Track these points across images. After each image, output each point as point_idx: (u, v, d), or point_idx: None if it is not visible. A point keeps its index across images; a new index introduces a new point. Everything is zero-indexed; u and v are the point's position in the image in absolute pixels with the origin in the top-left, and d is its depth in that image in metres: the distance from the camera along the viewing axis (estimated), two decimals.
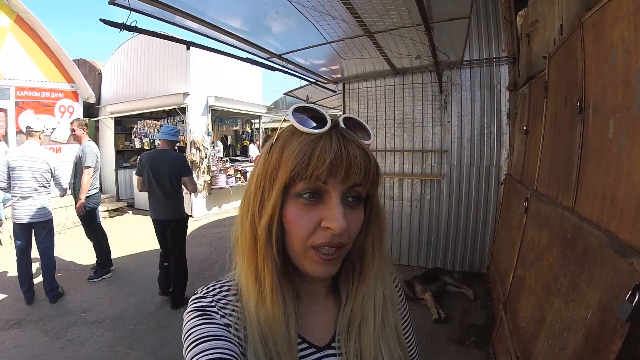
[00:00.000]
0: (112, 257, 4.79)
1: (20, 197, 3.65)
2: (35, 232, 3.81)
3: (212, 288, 0.60)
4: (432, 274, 4.10)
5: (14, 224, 3.75)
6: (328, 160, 0.49)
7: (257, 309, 0.55)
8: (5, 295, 4.02)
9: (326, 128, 0.53)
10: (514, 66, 3.99)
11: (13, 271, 3.89)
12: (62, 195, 4.05)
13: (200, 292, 0.59)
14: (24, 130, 3.96)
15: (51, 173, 3.84)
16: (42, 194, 3.77)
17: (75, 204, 4.28)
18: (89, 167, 4.19)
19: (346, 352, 0.59)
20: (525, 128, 3.18)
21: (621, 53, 1.34)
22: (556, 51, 2.29)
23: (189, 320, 0.55)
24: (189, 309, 0.57)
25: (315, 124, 0.53)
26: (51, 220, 3.91)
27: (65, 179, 4.02)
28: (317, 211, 0.51)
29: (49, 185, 3.86)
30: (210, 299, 0.57)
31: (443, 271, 4.25)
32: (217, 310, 0.56)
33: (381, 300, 0.62)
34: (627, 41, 1.29)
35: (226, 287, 0.60)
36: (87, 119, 6.02)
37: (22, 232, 3.72)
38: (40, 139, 3.91)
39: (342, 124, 0.56)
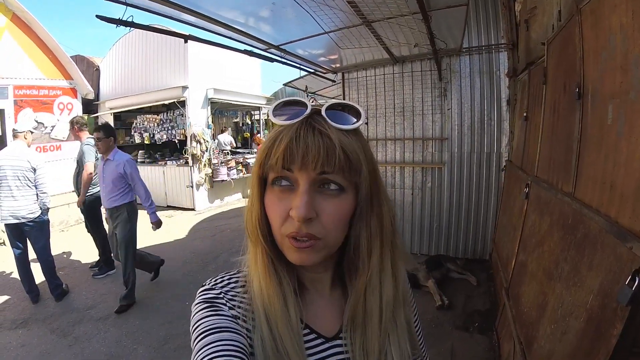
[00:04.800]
0: None
1: (5, 197, 3.59)
2: (26, 232, 3.75)
3: (220, 280, 0.61)
4: (435, 261, 4.13)
5: (5, 225, 3.72)
6: (282, 148, 0.51)
7: (259, 289, 0.56)
8: (10, 296, 4.04)
9: (298, 119, 0.53)
10: (513, 53, 3.94)
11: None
12: (43, 208, 3.79)
13: (209, 284, 0.60)
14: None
15: (34, 173, 3.73)
16: (25, 195, 3.66)
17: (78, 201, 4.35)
18: (89, 161, 4.20)
19: (352, 344, 0.58)
20: (525, 114, 3.17)
21: (619, 39, 1.33)
22: (555, 37, 2.27)
23: (197, 312, 0.55)
24: (197, 301, 0.57)
25: (298, 116, 0.54)
26: (40, 218, 3.79)
27: (46, 184, 3.85)
28: (288, 200, 0.52)
29: (33, 185, 3.73)
30: (218, 291, 0.58)
31: (446, 258, 4.29)
32: (225, 302, 0.56)
33: (389, 297, 0.59)
34: (625, 27, 1.28)
35: (235, 279, 0.61)
36: (85, 117, 5.98)
37: (12, 232, 3.69)
38: (25, 138, 3.83)
39: (323, 112, 0.54)
